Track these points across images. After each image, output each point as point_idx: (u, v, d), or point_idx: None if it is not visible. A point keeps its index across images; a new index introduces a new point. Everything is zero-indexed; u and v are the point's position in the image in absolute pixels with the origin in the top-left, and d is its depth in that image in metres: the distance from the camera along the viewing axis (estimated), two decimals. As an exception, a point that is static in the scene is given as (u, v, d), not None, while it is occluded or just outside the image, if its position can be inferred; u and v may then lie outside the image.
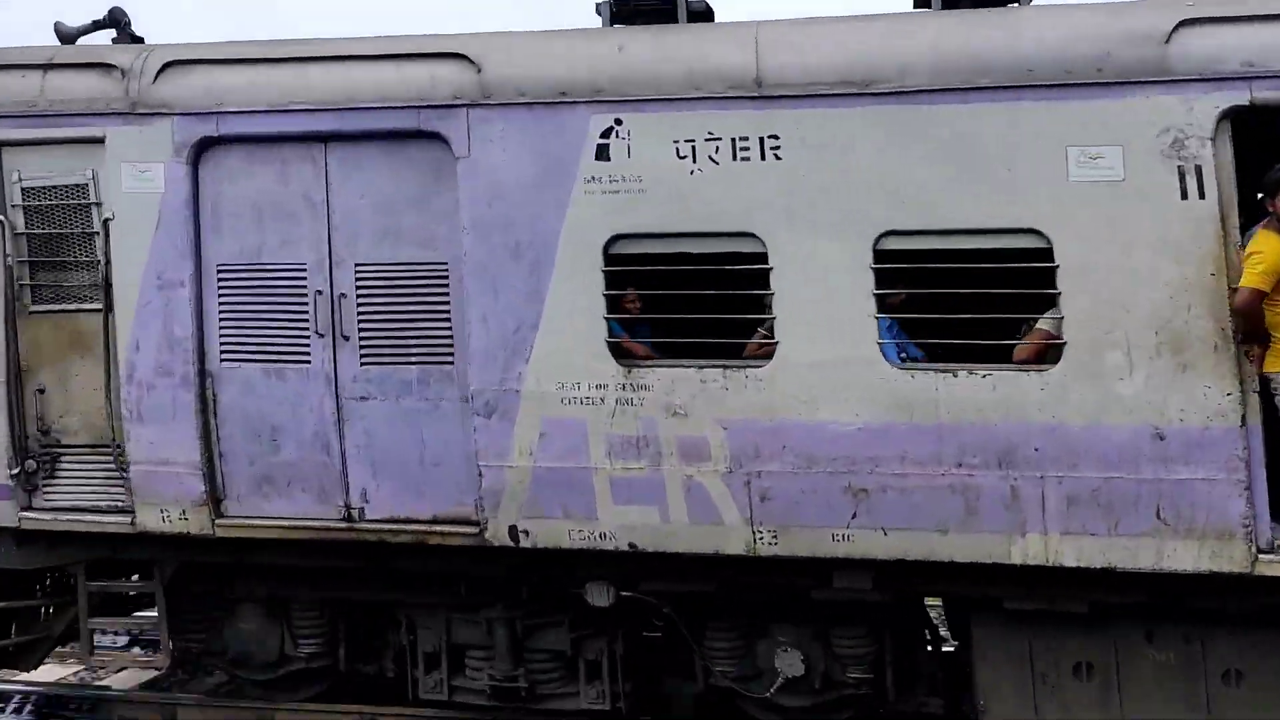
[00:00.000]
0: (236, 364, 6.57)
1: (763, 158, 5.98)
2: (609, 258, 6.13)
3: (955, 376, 5.80)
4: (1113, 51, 5.67)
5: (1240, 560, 5.54)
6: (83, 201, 6.73)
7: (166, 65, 6.64)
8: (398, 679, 7.35)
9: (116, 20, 7.40)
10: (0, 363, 6.72)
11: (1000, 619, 6.29)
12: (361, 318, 6.45)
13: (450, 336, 6.36)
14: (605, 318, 6.12)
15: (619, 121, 6.12)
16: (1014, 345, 5.95)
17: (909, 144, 5.84)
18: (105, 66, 6.74)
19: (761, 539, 6.02)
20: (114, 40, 7.37)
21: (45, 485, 6.82)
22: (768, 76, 6.00)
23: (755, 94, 6.00)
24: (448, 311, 6.37)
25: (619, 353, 6.17)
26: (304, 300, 6.51)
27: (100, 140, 6.66)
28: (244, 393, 6.54)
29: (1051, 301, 5.82)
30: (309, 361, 6.49)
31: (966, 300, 5.89)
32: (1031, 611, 6.21)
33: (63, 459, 6.82)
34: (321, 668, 7.33)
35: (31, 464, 6.75)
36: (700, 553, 6.13)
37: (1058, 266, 5.70)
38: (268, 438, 6.52)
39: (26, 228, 6.78)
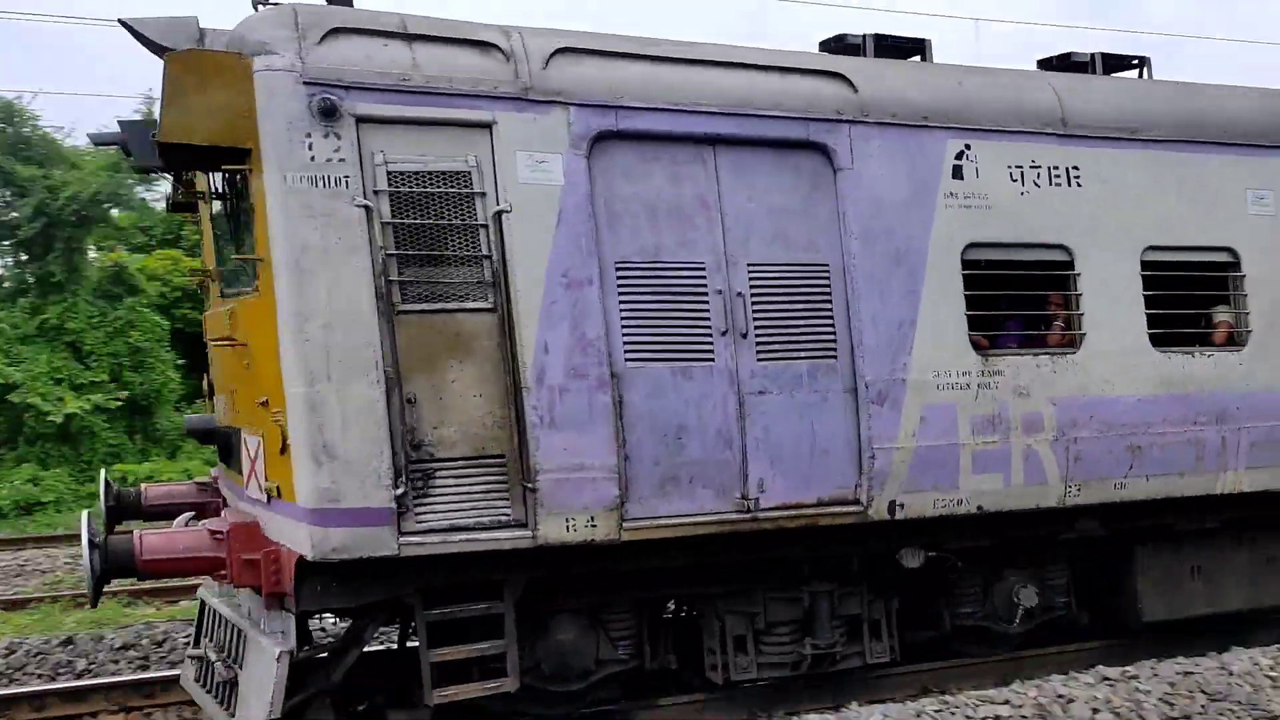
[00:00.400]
0: (641, 364, 6.45)
1: (1069, 184, 7.42)
2: (964, 263, 7.16)
3: (1194, 357, 7.76)
4: (1274, 123, 8.00)
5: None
6: (464, 190, 6.08)
7: (558, 51, 6.28)
8: (673, 669, 7.53)
9: None
10: (377, 370, 5.85)
11: (1150, 542, 8.35)
12: (756, 316, 6.71)
13: (833, 332, 6.90)
14: (965, 315, 7.14)
15: (968, 146, 7.16)
16: (1209, 333, 8.08)
17: (1161, 179, 7.67)
18: (483, 45, 6.16)
19: (1069, 492, 7.48)
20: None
21: (416, 505, 6.04)
22: (1070, 119, 7.45)
23: (1062, 132, 7.42)
24: (830, 309, 6.90)
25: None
26: (704, 299, 6.60)
27: (484, 125, 6.10)
28: (651, 393, 6.45)
29: (1228, 300, 8.02)
30: (713, 359, 6.60)
31: (1179, 299, 7.88)
32: (1174, 532, 8.37)
33: (437, 475, 6.09)
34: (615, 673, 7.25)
35: (404, 482, 5.97)
36: (1025, 509, 7.41)
37: (1245, 275, 7.90)
38: (673, 436, 6.50)
39: (394, 216, 5.95)
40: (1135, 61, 8.54)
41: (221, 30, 6.02)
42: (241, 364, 6.59)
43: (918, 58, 7.76)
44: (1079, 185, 7.47)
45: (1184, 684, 6.99)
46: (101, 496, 7.93)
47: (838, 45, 7.73)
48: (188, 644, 8.47)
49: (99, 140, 8.38)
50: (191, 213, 8.11)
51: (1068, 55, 8.39)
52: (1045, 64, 8.53)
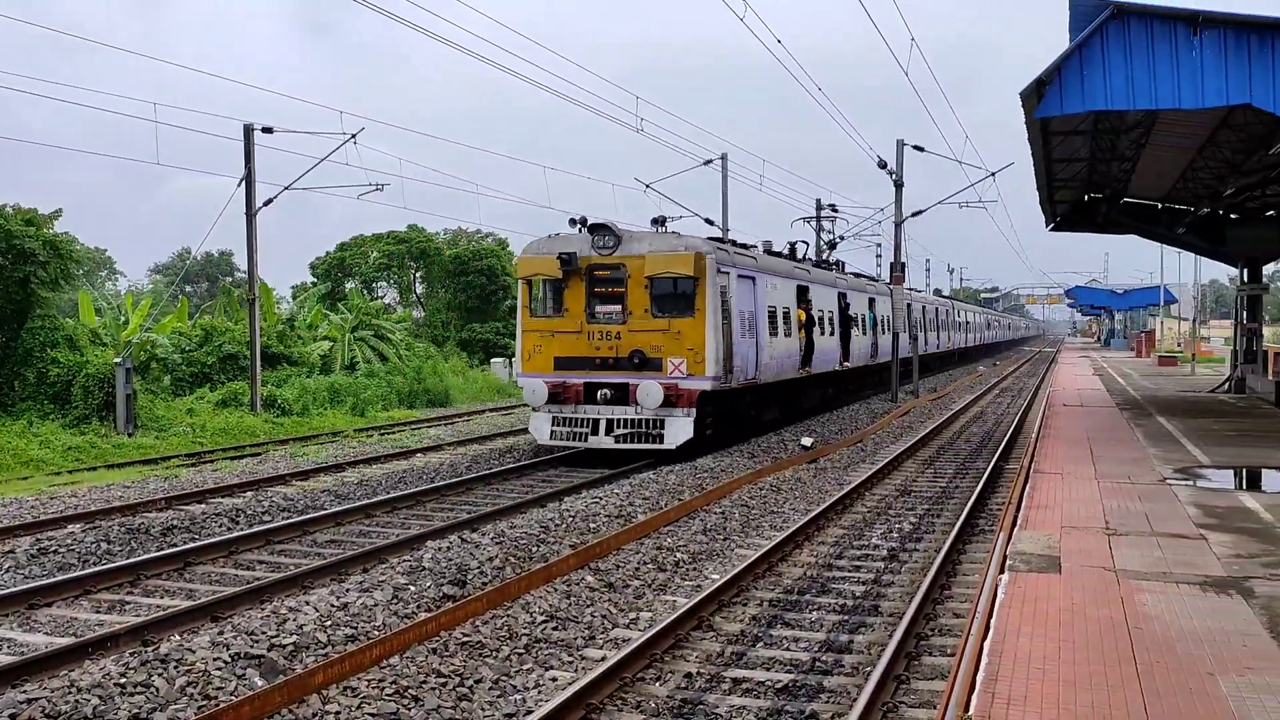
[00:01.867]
0: (740, 337, 21.03)
1: (777, 289, 24.37)
2: (767, 311, 23.28)
3: (787, 338, 24.90)
4: (791, 270, 26.76)
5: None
6: (724, 287, 20.20)
7: (733, 251, 21.77)
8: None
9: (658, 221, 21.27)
10: (726, 337, 20.13)
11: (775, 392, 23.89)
12: (749, 324, 21.72)
13: (755, 327, 22.12)
14: (769, 325, 23.28)
15: (771, 278, 24.59)
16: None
17: (783, 288, 25.09)
18: (736, 250, 22.34)
19: (779, 377, 24.59)
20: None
21: (722, 376, 20.06)
22: (777, 271, 24.93)
23: (780, 275, 25.14)
24: (755, 321, 22.17)
25: None
26: (746, 320, 21.57)
27: (727, 272, 20.53)
28: (744, 347, 21.21)
29: (789, 321, 25.64)
30: (746, 336, 21.52)
31: (785, 321, 25.14)
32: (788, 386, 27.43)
33: (722, 367, 20.00)
34: None
35: (723, 369, 20.37)
36: (775, 381, 24.36)
37: (790, 314, 25.40)
38: (744, 359, 21.14)
39: (721, 299, 20.11)
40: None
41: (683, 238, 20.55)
42: (671, 336, 19.44)
43: (775, 255, 26.42)
44: (777, 289, 24.22)
45: (27, 712, 6.75)
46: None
47: (748, 246, 24.11)
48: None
49: (562, 254, 20.05)
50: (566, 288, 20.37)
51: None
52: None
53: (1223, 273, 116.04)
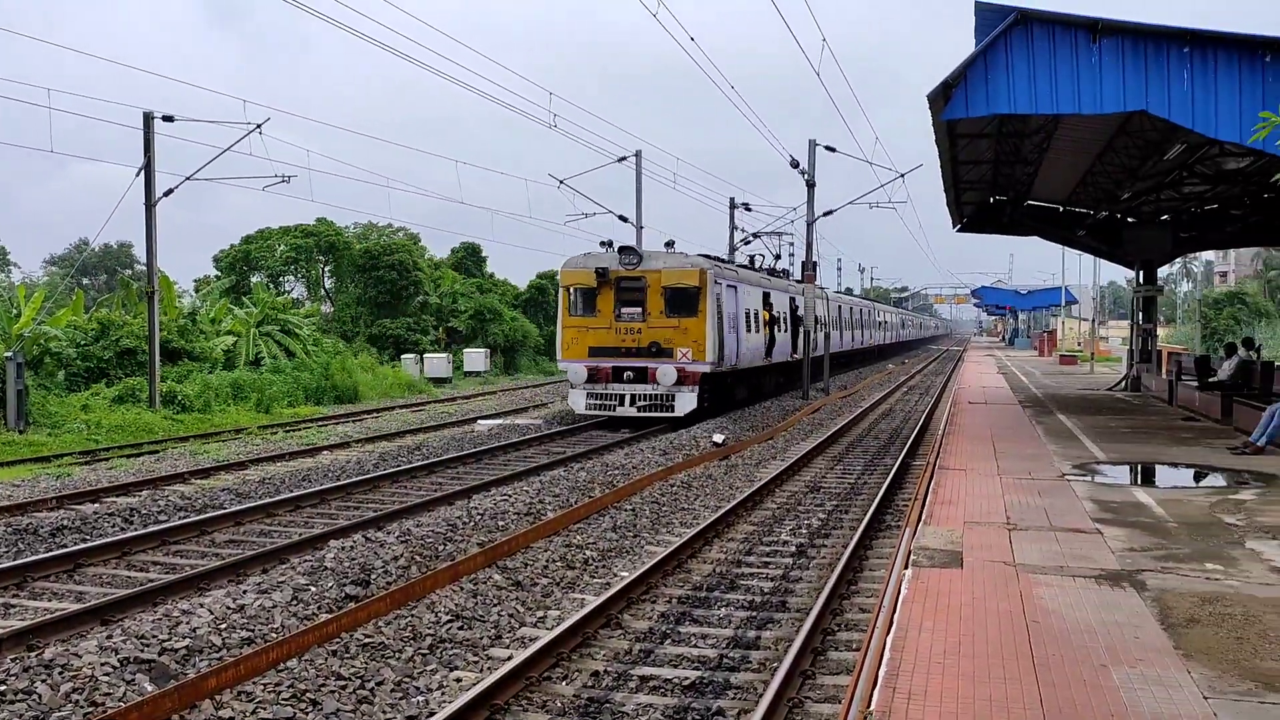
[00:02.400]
0: (728, 330, 26.94)
1: (747, 296, 29.50)
2: (743, 311, 28.63)
3: (757, 334, 30.92)
4: (762, 280, 27.13)
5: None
6: (716, 294, 25.97)
7: (725, 267, 28.59)
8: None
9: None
10: (720, 331, 26.07)
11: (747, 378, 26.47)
12: (733, 321, 27.65)
13: (736, 324, 27.99)
14: (745, 323, 28.91)
15: (747, 287, 29.77)
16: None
17: (751, 294, 30.41)
18: (726, 265, 29.92)
19: (753, 363, 30.70)
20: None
21: (715, 360, 25.96)
22: (749, 281, 30.52)
23: (750, 284, 30.05)
24: (737, 318, 27.89)
25: None
26: (734, 318, 27.67)
27: (720, 283, 26.45)
28: (732, 340, 27.14)
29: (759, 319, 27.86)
30: (735, 330, 27.79)
31: (753, 320, 31.14)
32: (758, 372, 30.76)
33: (715, 353, 25.85)
34: None
35: (717, 357, 27.54)
36: (748, 368, 30.63)
37: (759, 314, 25.17)
38: (731, 349, 27.31)
39: (717, 302, 26.24)
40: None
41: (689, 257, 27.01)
42: (680, 332, 25.32)
43: (746, 269, 32.88)
44: (750, 295, 29.62)
45: None
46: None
47: (727, 262, 31.26)
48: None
49: (598, 268, 26.09)
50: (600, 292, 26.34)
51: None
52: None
53: (1120, 275, 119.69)
